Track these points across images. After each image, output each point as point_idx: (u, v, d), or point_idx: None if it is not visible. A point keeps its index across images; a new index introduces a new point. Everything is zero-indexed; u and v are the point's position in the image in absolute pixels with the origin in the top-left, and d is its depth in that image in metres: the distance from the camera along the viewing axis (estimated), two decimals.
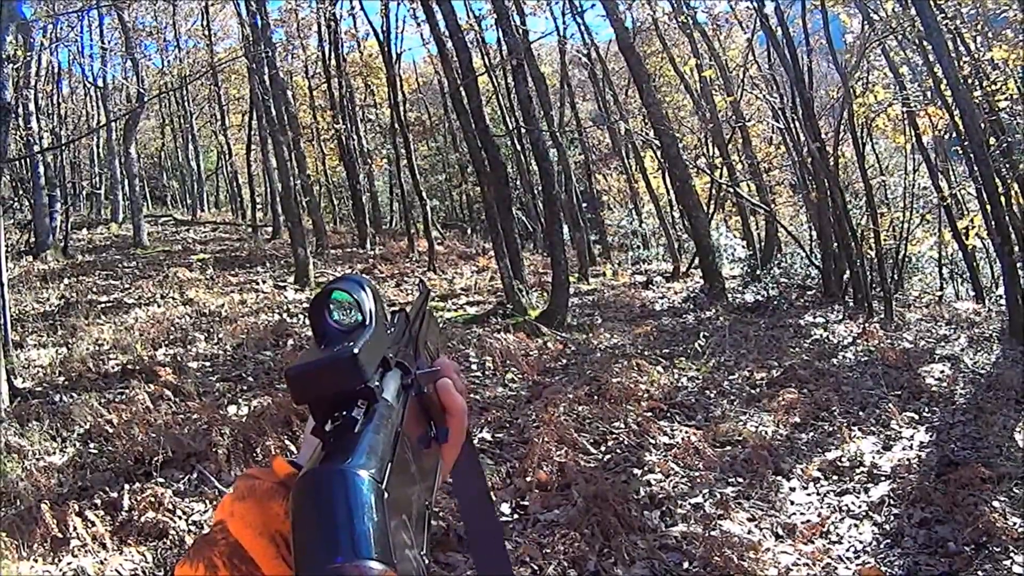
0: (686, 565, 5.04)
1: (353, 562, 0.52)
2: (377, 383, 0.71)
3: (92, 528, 5.44)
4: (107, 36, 28.37)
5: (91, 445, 7.34)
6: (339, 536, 0.53)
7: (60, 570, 5.09)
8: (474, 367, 10.16)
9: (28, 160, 18.98)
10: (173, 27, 29.42)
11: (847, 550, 5.29)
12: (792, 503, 6.09)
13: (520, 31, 17.47)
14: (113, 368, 9.98)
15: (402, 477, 0.65)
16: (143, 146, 37.02)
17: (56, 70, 27.69)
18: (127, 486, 6.06)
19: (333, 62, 26.56)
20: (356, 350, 0.68)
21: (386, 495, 0.57)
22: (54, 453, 7.17)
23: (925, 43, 12.94)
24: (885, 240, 15.26)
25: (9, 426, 7.49)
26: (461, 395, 0.89)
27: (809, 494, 6.28)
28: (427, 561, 0.65)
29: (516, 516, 5.83)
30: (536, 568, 4.95)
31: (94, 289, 15.64)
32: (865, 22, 14.47)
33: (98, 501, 5.82)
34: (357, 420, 0.66)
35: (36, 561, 5.14)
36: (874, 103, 15.19)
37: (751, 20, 19.58)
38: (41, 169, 19.76)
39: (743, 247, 20.96)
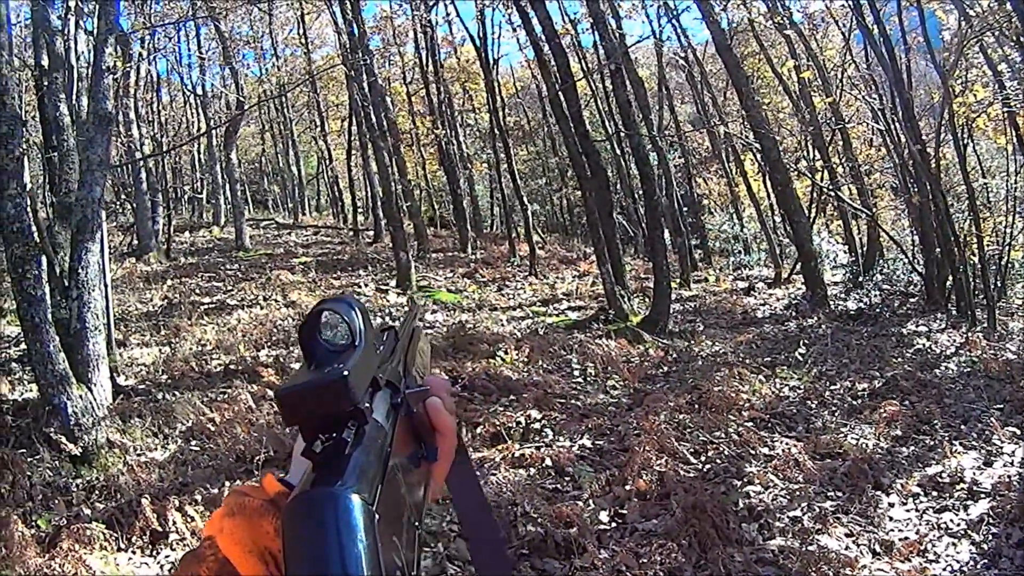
0: None
1: None
2: (367, 404, 0.73)
3: (191, 523, 5.70)
4: (204, 46, 29.53)
5: (193, 442, 7.70)
6: (330, 559, 0.54)
7: (158, 562, 5.39)
8: (576, 373, 10.32)
9: (131, 166, 19.80)
10: (270, 36, 30.05)
11: (944, 569, 5.24)
12: (891, 519, 6.04)
13: (616, 35, 17.59)
14: (216, 368, 10.39)
15: (392, 498, 0.67)
16: (244, 152, 38.26)
17: (155, 79, 28.85)
18: (228, 484, 6.35)
19: (430, 68, 27.01)
20: (346, 372, 0.69)
21: (376, 517, 0.58)
22: (155, 449, 7.53)
23: (1022, 39, 12.67)
24: (988, 245, 14.90)
25: (112, 422, 7.80)
26: (450, 414, 0.89)
27: (908, 510, 6.20)
28: None
29: (614, 525, 5.92)
30: None
31: (197, 291, 16.23)
32: (961, 19, 14.15)
33: (198, 497, 6.07)
34: (347, 442, 0.67)
35: (134, 553, 5.46)
36: (973, 103, 14.84)
37: (847, 18, 19.31)
38: (143, 175, 20.70)
39: (845, 252, 20.71)
